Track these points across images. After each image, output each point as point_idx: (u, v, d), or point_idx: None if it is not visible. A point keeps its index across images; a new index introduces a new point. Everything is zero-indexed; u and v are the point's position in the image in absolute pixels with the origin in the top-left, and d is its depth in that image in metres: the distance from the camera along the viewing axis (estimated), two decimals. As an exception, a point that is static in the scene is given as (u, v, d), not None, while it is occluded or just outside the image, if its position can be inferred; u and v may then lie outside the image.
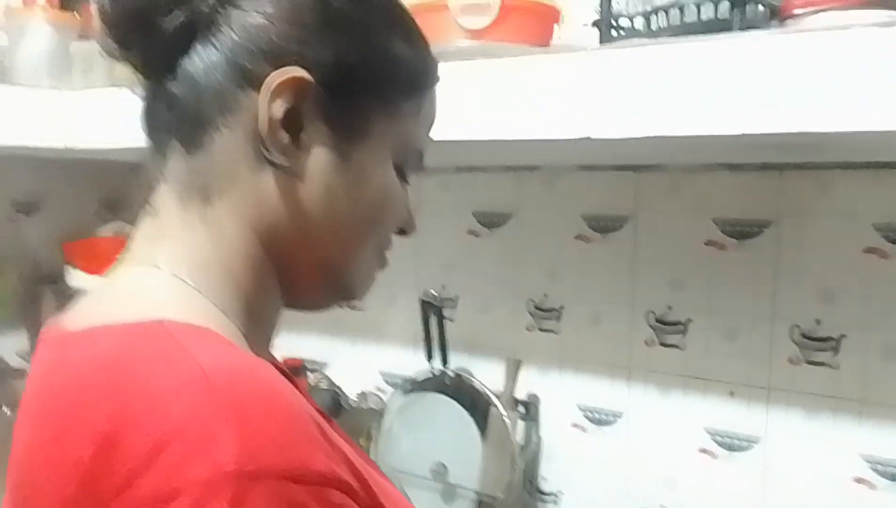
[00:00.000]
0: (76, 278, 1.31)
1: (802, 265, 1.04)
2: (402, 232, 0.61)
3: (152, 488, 0.39)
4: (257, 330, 0.55)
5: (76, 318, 0.52)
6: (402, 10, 0.58)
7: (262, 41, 0.51)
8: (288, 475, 0.40)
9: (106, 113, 1.06)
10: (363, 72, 0.53)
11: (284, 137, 0.51)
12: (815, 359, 1.04)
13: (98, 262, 1.30)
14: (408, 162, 0.59)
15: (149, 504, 0.39)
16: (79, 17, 1.20)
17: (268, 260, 0.54)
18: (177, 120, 0.53)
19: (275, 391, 0.44)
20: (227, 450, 0.39)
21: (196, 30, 0.51)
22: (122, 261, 0.56)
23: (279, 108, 0.50)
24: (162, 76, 0.53)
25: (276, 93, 0.50)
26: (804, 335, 1.05)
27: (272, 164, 0.52)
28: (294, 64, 0.50)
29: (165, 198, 0.54)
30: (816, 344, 1.04)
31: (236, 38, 0.51)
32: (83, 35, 1.17)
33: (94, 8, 0.53)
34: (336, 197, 0.54)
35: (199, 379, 0.42)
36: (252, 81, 0.50)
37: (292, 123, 0.51)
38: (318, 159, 0.53)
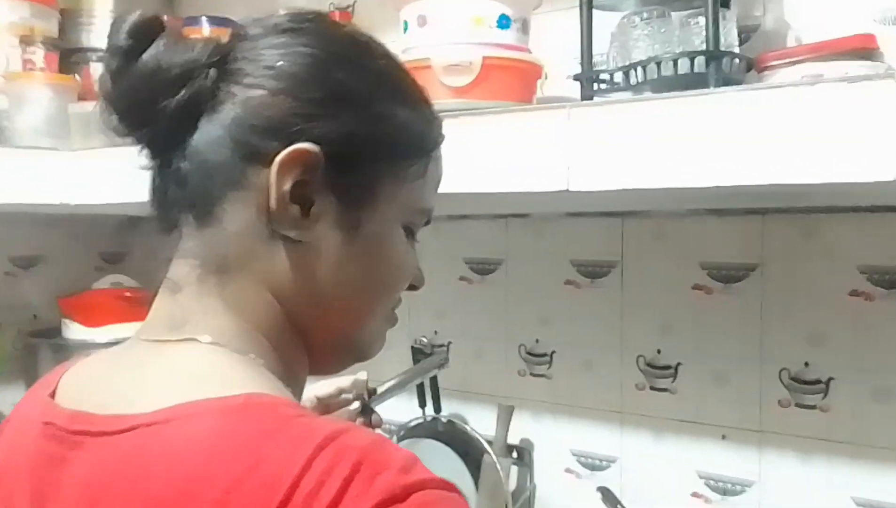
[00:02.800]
0: (73, 331, 1.32)
1: (789, 309, 1.05)
2: (411, 287, 0.62)
3: None
4: (297, 393, 0.55)
5: (110, 403, 0.50)
6: (403, 75, 0.58)
7: (266, 117, 0.51)
8: (439, 485, 0.45)
9: (103, 172, 1.08)
10: (368, 141, 0.54)
11: (295, 210, 0.52)
12: (805, 402, 1.05)
13: (94, 315, 1.32)
14: (415, 222, 0.60)
15: None
16: (78, 80, 1.23)
17: (291, 326, 0.55)
18: (188, 197, 0.53)
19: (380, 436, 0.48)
20: (391, 476, 0.43)
21: (201, 107, 0.52)
22: (143, 337, 0.55)
23: (287, 182, 0.51)
24: (169, 154, 0.53)
25: (285, 168, 0.51)
26: (793, 378, 1.05)
27: (284, 237, 0.52)
28: (300, 138, 0.51)
29: (183, 272, 0.54)
30: (806, 387, 1.05)
31: (241, 114, 0.51)
32: (82, 97, 1.20)
33: (97, 88, 0.54)
34: (348, 266, 0.55)
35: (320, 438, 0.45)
36: (259, 157, 0.51)
37: (301, 196, 0.52)
38: (329, 230, 0.53)
